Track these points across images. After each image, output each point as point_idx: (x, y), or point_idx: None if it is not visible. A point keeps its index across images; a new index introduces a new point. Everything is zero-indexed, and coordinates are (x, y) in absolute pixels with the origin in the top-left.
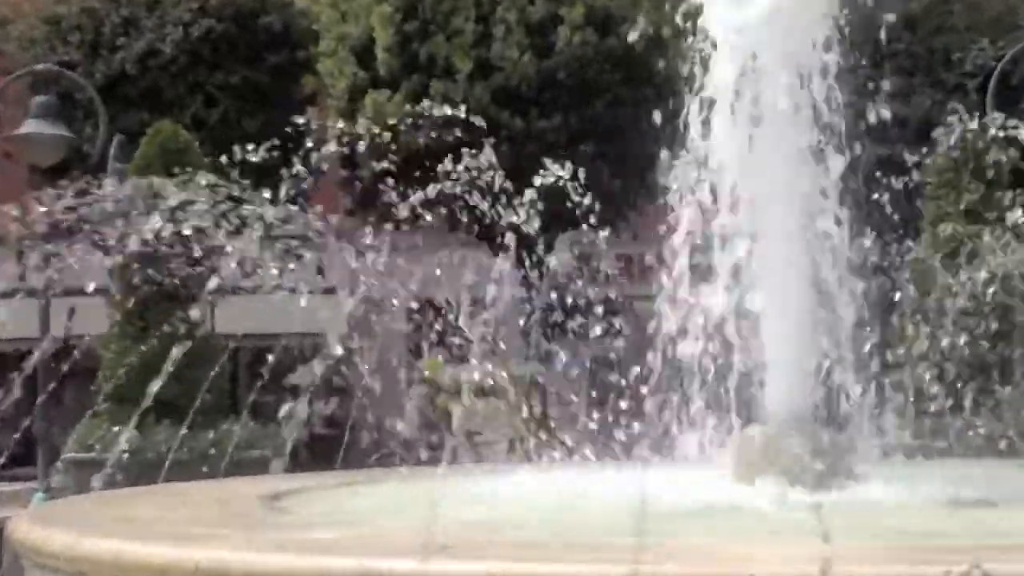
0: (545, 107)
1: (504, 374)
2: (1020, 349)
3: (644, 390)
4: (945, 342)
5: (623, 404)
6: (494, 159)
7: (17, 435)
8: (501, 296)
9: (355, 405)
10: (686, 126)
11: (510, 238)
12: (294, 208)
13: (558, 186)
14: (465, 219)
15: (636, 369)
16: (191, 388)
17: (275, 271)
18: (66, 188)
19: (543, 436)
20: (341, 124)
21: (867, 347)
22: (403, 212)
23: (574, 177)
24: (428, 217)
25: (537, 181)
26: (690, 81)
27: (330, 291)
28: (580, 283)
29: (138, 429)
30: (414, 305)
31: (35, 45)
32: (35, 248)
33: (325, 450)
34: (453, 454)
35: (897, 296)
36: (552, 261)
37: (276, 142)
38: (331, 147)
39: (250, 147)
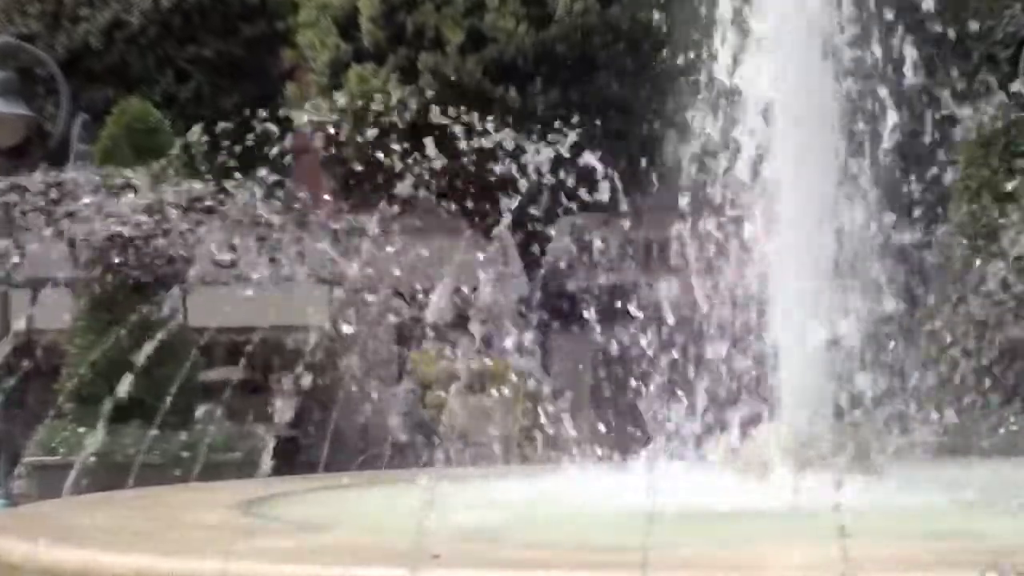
0: (543, 81)
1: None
2: None
3: (652, 384)
4: (973, 331)
5: (627, 399)
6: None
7: None
8: (498, 284)
9: (339, 403)
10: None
11: (506, 222)
12: (275, 193)
13: (557, 166)
14: (454, 206)
15: (643, 361)
16: (162, 386)
17: (252, 260)
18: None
19: (538, 435)
20: (322, 101)
21: (891, 335)
22: (405, 185)
23: (574, 157)
24: (423, 194)
25: (532, 160)
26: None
27: (317, 281)
28: (579, 269)
29: (105, 430)
30: (403, 294)
31: None
32: None
33: (288, 452)
34: (445, 455)
35: (923, 280)
36: (551, 246)
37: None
38: (304, 118)
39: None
